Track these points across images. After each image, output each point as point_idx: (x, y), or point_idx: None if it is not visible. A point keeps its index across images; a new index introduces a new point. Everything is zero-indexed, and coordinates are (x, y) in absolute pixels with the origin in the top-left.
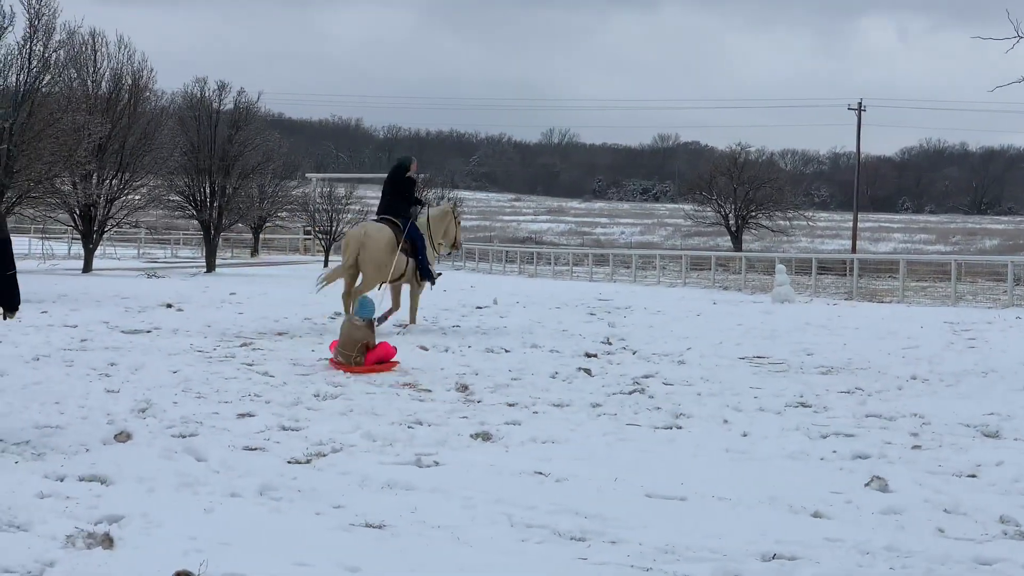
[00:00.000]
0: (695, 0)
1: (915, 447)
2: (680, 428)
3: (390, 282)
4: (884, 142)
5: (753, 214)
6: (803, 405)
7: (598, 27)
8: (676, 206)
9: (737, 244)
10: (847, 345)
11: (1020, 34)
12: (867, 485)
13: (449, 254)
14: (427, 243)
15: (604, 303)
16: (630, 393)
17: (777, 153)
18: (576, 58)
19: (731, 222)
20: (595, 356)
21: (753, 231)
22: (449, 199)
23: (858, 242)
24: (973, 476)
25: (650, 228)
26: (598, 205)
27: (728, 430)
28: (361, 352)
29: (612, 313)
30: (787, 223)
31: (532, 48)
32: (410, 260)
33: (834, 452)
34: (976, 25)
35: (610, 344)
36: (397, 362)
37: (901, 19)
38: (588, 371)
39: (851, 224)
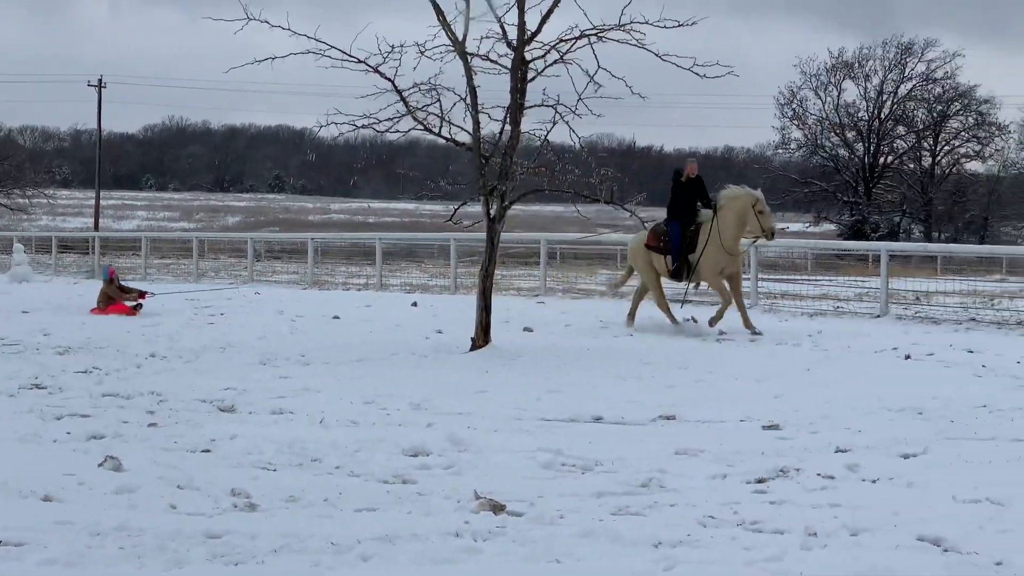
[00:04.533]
0: None
1: (151, 425)
2: None
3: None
4: (126, 119)
5: None
6: (38, 387)
7: None
8: None
9: None
10: (85, 324)
11: (249, 16)
12: (101, 465)
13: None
14: (707, 241)
15: None
16: None
17: (16, 129)
18: None
19: None
20: None
21: None
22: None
23: (101, 220)
24: (207, 451)
25: None
26: None
27: None
28: (104, 300)
29: None
30: (27, 201)
31: None
32: (668, 256)
33: (68, 433)
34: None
35: None
36: (128, 310)
37: None
38: None
39: (94, 202)
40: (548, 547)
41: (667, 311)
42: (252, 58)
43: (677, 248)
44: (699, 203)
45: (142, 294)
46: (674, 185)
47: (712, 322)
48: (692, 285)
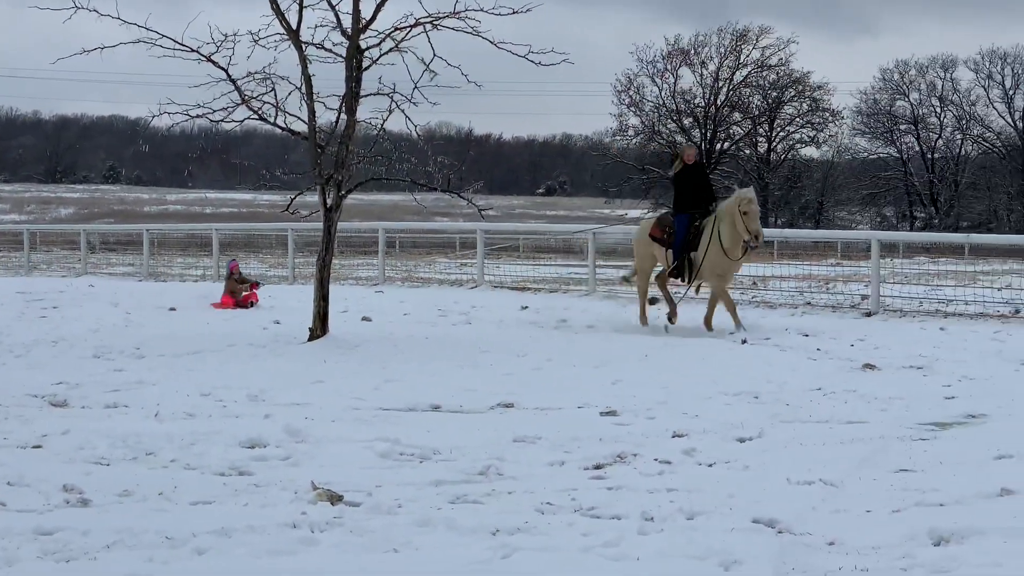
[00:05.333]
0: None
1: None
2: None
3: (671, 274)
4: None
5: None
6: None
7: None
8: None
9: None
10: None
11: (77, 4)
12: None
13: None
14: (710, 239)
15: None
16: None
17: None
18: None
19: None
20: None
21: None
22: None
23: None
24: (39, 447)
25: None
26: None
27: None
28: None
29: None
30: None
31: None
32: (669, 251)
33: None
34: None
35: None
36: (233, 303)
37: None
38: None
39: None
40: (386, 537)
41: (643, 305)
42: (80, 48)
43: (680, 244)
44: (706, 195)
45: (254, 284)
46: (675, 175)
47: (707, 322)
48: (693, 288)
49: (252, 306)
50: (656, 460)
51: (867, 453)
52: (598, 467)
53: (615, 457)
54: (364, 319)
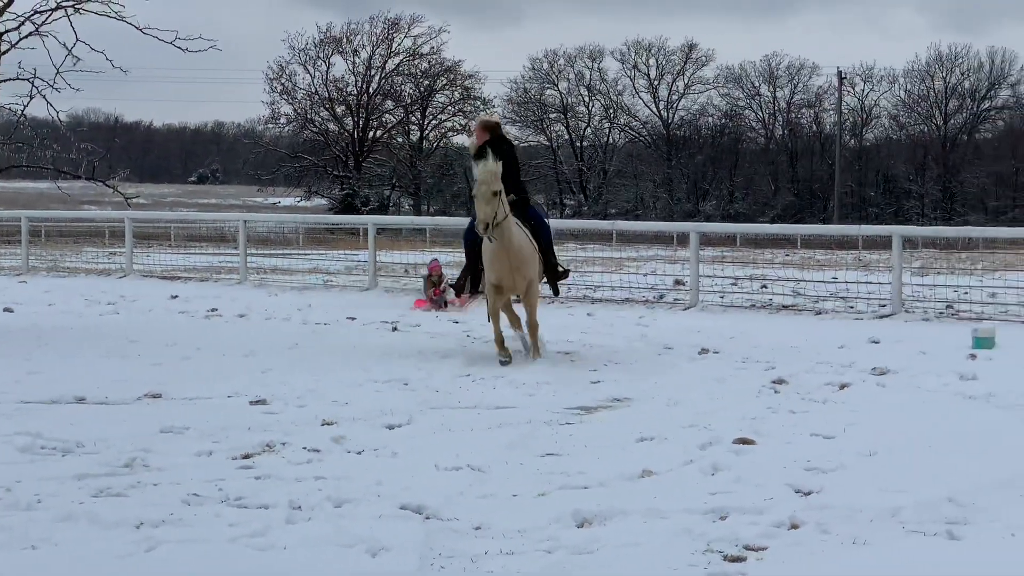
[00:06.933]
0: None
1: None
2: None
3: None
4: None
5: None
6: None
7: None
8: None
9: None
10: None
11: None
12: None
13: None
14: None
15: None
16: None
17: None
18: None
19: None
20: None
21: None
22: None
23: None
24: None
25: None
26: None
27: None
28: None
29: None
30: None
31: None
32: None
33: None
34: None
35: None
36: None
37: None
38: None
39: None
40: (24, 533)
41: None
42: None
43: (467, 248)
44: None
45: (437, 290)
46: (474, 163)
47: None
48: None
49: (446, 306)
50: (305, 448)
51: (515, 438)
52: (247, 456)
53: (264, 446)
54: (6, 310)
